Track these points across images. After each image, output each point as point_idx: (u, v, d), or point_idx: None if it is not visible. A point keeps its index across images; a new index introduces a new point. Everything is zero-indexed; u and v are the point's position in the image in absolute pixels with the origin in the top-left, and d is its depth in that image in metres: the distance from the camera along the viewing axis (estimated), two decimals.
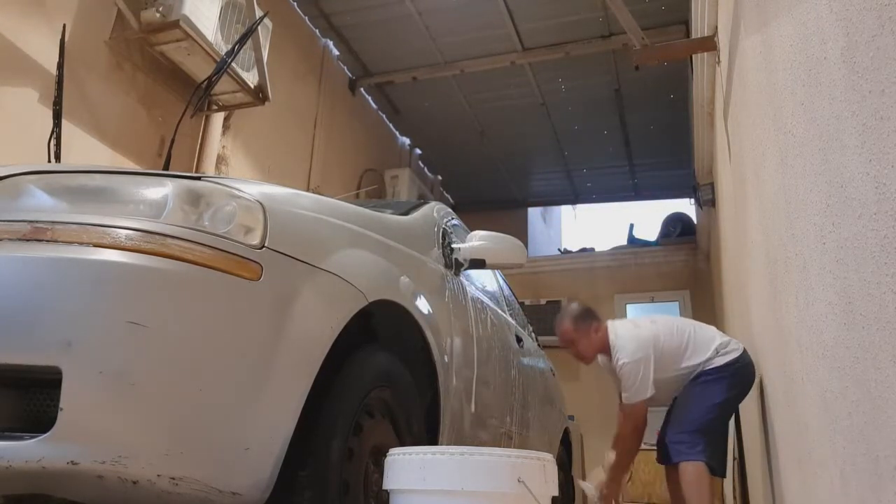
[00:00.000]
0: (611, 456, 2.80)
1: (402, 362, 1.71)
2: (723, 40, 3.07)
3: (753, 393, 2.72)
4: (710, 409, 2.59)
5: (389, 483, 1.29)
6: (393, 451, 1.32)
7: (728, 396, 2.61)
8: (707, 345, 2.69)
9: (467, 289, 2.30)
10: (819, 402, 1.41)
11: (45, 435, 0.99)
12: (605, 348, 2.77)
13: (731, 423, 3.56)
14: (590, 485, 2.86)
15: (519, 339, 2.97)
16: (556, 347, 5.78)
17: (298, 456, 1.28)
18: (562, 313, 2.93)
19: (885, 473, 0.98)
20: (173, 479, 1.06)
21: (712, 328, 2.81)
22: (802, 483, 1.70)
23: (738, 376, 2.62)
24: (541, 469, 1.25)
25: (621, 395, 2.69)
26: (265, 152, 4.70)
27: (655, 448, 2.85)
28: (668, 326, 2.75)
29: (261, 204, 1.30)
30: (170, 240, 1.14)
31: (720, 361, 2.63)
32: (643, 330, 2.72)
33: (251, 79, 3.90)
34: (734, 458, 3.49)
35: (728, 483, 3.75)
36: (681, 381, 2.69)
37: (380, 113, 6.60)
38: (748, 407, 3.01)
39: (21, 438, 1.00)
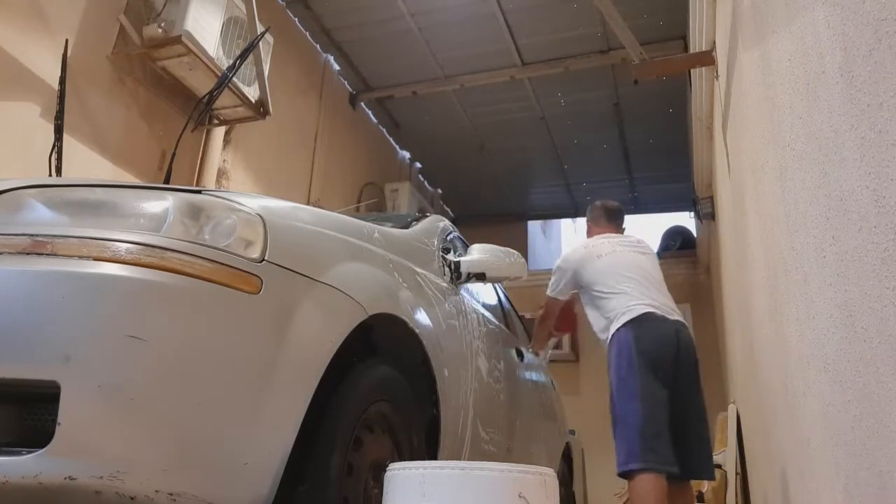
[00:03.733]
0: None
1: (402, 376, 1.71)
2: (721, 55, 3.09)
3: (755, 406, 2.70)
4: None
5: (389, 499, 1.28)
6: (393, 466, 1.31)
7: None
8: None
9: (467, 302, 2.30)
10: (821, 415, 1.41)
11: (43, 450, 0.99)
12: None
13: (734, 436, 3.55)
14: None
15: (519, 353, 2.96)
16: (556, 361, 5.77)
17: (297, 471, 1.27)
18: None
19: (889, 488, 0.98)
20: (171, 494, 1.05)
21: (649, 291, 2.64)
22: (806, 498, 1.69)
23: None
24: (542, 484, 1.24)
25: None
26: (266, 166, 4.71)
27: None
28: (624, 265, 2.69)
29: (261, 217, 1.30)
30: (170, 253, 1.14)
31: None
32: (598, 248, 2.77)
33: (252, 93, 3.92)
34: (736, 474, 3.47)
35: (731, 498, 3.72)
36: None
37: (380, 127, 6.63)
38: (749, 421, 2.99)
39: (18, 453, 0.99)
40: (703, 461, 2.48)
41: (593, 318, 2.73)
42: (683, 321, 2.62)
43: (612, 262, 2.70)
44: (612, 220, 2.98)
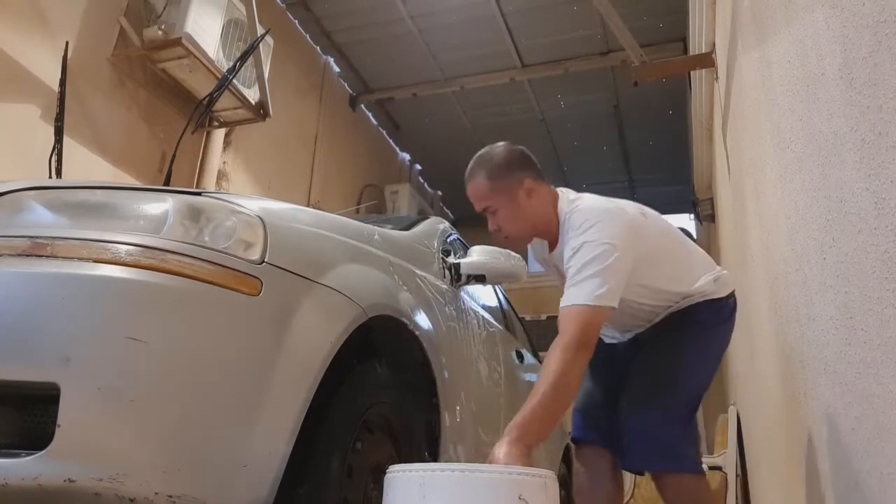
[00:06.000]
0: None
1: (402, 378, 1.70)
2: (721, 57, 3.09)
3: (755, 408, 2.70)
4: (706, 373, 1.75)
5: (389, 500, 1.28)
6: (392, 468, 1.31)
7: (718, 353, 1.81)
8: (702, 267, 1.80)
9: (467, 304, 2.30)
10: (821, 418, 1.40)
11: (43, 452, 0.98)
12: (548, 223, 1.75)
13: (734, 438, 3.54)
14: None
15: (520, 355, 2.96)
16: None
17: (297, 473, 1.27)
18: (476, 160, 1.80)
19: (890, 490, 0.98)
20: (171, 496, 1.05)
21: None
22: (806, 500, 1.69)
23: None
24: (542, 486, 1.24)
25: (573, 301, 1.53)
26: (266, 168, 4.72)
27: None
28: (661, 226, 1.81)
29: (261, 219, 1.30)
30: (169, 255, 1.14)
31: (719, 293, 1.76)
32: (628, 210, 1.71)
33: (252, 95, 3.93)
34: (737, 476, 3.47)
35: (731, 500, 3.72)
36: (648, 315, 1.77)
37: (380, 129, 6.63)
38: (750, 423, 2.99)
39: (18, 455, 0.99)
40: None
41: (655, 284, 1.72)
42: None
43: (655, 219, 1.82)
44: (535, 165, 1.81)
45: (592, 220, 1.60)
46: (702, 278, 1.76)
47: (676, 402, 1.67)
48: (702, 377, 1.74)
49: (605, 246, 1.54)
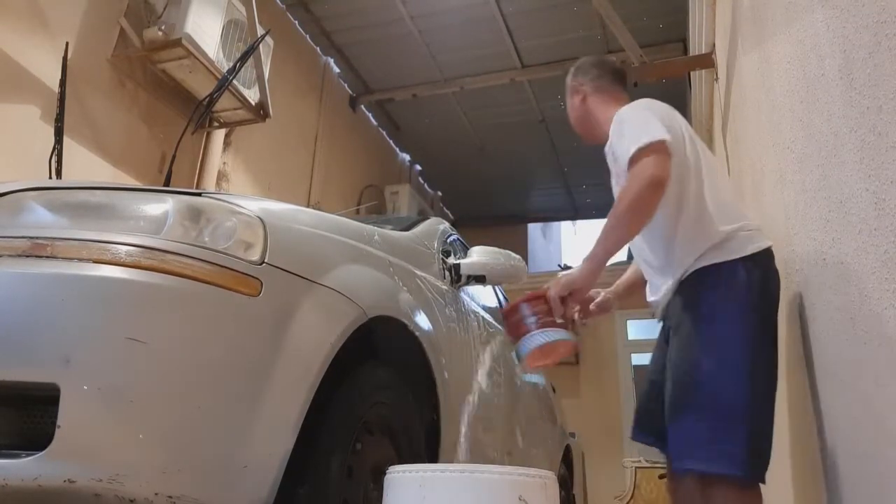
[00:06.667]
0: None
1: (402, 379, 1.70)
2: (720, 57, 3.09)
3: None
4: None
5: (389, 501, 1.28)
6: (392, 468, 1.31)
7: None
8: (740, 212, 1.67)
9: (467, 305, 2.30)
10: (821, 418, 1.40)
11: (42, 452, 0.98)
12: (592, 128, 1.98)
13: None
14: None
15: (519, 357, 2.96)
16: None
17: (297, 474, 1.26)
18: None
19: (889, 491, 0.97)
20: (171, 497, 1.05)
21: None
22: (806, 501, 1.68)
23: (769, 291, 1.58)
24: (542, 487, 1.24)
25: (627, 156, 1.60)
26: (266, 168, 4.72)
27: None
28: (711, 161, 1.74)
29: (261, 220, 1.30)
30: (169, 256, 1.14)
31: (754, 247, 1.57)
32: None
33: (252, 96, 3.93)
34: None
35: None
36: (678, 264, 1.65)
37: (380, 129, 6.63)
38: None
39: (18, 456, 0.99)
40: None
41: (673, 222, 1.66)
42: None
43: (709, 157, 1.76)
44: (625, 89, 1.97)
45: (626, 109, 1.74)
46: (730, 225, 1.59)
47: (699, 402, 1.50)
48: (727, 376, 1.48)
49: (641, 112, 1.68)
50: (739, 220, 1.62)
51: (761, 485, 1.44)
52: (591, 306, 2.02)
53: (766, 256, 1.59)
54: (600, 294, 2.04)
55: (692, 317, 1.59)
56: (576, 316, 1.83)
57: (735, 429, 1.43)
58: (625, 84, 1.99)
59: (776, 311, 1.58)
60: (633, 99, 1.85)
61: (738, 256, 1.56)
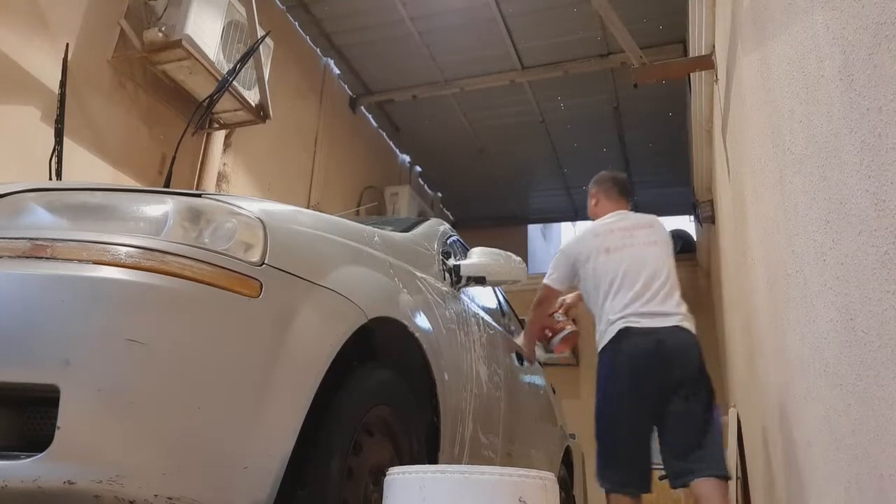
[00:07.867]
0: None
1: (402, 380, 1.70)
2: (720, 59, 3.09)
3: (755, 410, 2.70)
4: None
5: (389, 503, 1.28)
6: (392, 470, 1.31)
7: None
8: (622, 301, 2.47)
9: (467, 306, 2.30)
10: (822, 419, 1.40)
11: (42, 454, 0.98)
12: None
13: (734, 442, 3.54)
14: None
15: (519, 357, 2.96)
16: (555, 365, 5.76)
17: (297, 475, 1.26)
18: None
19: (890, 491, 0.97)
20: (170, 498, 1.05)
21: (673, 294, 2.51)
22: (806, 502, 1.68)
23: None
24: (542, 488, 1.24)
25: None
26: (266, 170, 4.72)
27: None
28: (635, 262, 2.50)
29: (261, 221, 1.30)
30: (169, 257, 1.14)
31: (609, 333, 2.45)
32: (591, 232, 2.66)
33: (252, 97, 3.93)
34: (737, 478, 3.46)
35: (732, 502, 3.71)
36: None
37: (380, 131, 6.63)
38: (750, 425, 2.99)
39: (17, 457, 0.99)
40: (703, 463, 2.27)
41: (595, 316, 2.57)
42: (679, 324, 2.41)
43: (619, 260, 2.49)
44: (623, 195, 2.76)
45: (564, 244, 2.81)
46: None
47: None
48: (599, 408, 2.46)
49: (560, 254, 2.71)
50: (609, 314, 2.48)
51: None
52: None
53: (615, 341, 2.43)
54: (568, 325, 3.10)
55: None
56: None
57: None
58: (629, 194, 2.81)
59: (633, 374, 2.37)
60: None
61: (599, 349, 2.49)
